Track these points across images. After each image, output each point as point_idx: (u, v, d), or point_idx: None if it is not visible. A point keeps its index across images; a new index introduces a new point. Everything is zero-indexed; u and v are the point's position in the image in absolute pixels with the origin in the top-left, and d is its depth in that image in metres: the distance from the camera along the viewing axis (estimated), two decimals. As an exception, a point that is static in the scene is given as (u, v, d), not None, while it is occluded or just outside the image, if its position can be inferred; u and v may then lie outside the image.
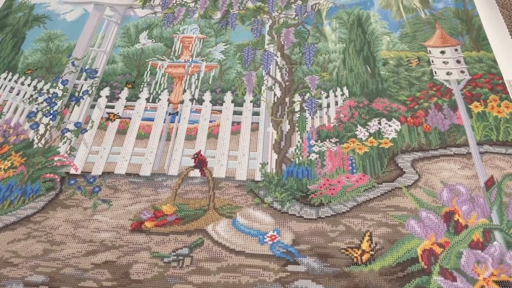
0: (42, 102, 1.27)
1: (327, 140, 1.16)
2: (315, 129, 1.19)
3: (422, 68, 1.28)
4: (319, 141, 1.16)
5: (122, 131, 1.22)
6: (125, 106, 1.27)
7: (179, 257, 0.94)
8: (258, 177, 1.10)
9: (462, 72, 1.25)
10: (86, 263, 0.94)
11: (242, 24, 1.46)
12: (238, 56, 1.37)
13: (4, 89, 1.31)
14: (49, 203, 1.05)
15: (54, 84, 1.31)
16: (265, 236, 0.97)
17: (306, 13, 1.47)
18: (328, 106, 1.23)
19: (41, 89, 1.30)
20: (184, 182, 1.10)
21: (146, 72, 1.35)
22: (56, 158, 1.15)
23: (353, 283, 0.89)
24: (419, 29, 1.39)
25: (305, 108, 1.23)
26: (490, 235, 0.94)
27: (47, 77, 1.34)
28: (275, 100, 1.26)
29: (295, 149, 1.15)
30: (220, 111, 1.25)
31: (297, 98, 1.26)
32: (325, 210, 1.02)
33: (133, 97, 1.29)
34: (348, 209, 1.02)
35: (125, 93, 1.30)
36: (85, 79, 1.34)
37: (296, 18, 1.46)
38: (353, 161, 1.11)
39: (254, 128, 1.21)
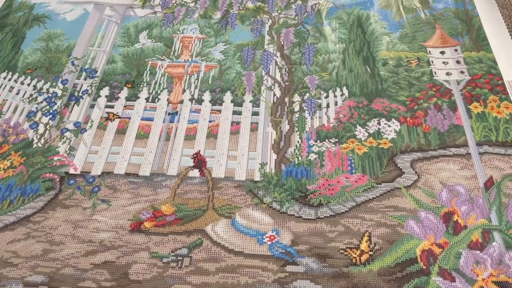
0: (41, 102, 1.27)
1: (327, 140, 1.16)
2: (314, 129, 1.18)
3: (421, 68, 1.28)
4: (318, 141, 1.16)
5: (121, 131, 1.22)
6: (125, 106, 1.27)
7: (178, 258, 0.94)
8: (257, 177, 1.10)
9: (462, 72, 1.25)
10: (86, 263, 0.94)
11: (242, 24, 1.46)
12: (238, 56, 1.37)
13: (4, 89, 1.31)
14: (48, 203, 1.05)
15: (54, 84, 1.31)
16: (264, 237, 0.97)
17: (306, 13, 1.47)
18: (328, 106, 1.23)
19: (41, 88, 1.30)
20: (183, 182, 1.10)
21: (145, 72, 1.35)
22: (55, 158, 1.15)
23: (351, 284, 0.89)
24: (419, 29, 1.39)
25: (305, 108, 1.23)
26: (489, 235, 0.94)
27: (47, 77, 1.34)
28: (275, 100, 1.26)
29: (294, 149, 1.15)
30: (220, 111, 1.25)
31: (296, 98, 1.26)
32: (324, 210, 1.02)
33: (132, 97, 1.29)
34: (347, 210, 1.02)
35: (124, 92, 1.30)
36: (85, 79, 1.34)
37: (296, 18, 1.46)
38: (352, 161, 1.11)
39: (254, 128, 1.22)
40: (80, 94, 1.29)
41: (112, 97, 1.29)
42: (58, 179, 1.10)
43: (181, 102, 1.27)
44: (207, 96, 1.28)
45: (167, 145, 1.18)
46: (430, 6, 1.45)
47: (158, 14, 1.51)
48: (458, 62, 1.28)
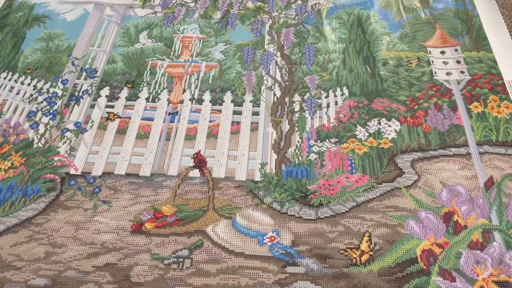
0: (42, 102, 1.27)
1: (327, 140, 1.16)
2: (314, 129, 1.19)
3: (422, 68, 1.28)
4: (318, 141, 1.16)
5: (121, 131, 1.22)
6: (125, 106, 1.27)
7: (179, 259, 0.94)
8: (257, 177, 1.11)
9: (462, 72, 1.25)
10: (88, 265, 0.94)
11: (242, 24, 1.46)
12: (238, 56, 1.37)
13: (4, 89, 1.31)
14: (49, 204, 1.05)
15: (54, 84, 1.31)
16: (264, 237, 0.97)
17: (306, 13, 1.47)
18: (328, 106, 1.24)
19: (41, 88, 1.30)
20: (183, 182, 1.10)
21: (146, 71, 1.35)
22: (56, 158, 1.15)
23: (352, 284, 0.89)
24: (419, 29, 1.39)
25: (305, 108, 1.23)
26: (490, 235, 0.94)
27: (47, 77, 1.34)
28: (275, 100, 1.26)
29: (295, 149, 1.15)
30: (220, 111, 1.25)
31: (296, 98, 1.26)
32: (325, 211, 1.02)
33: (133, 97, 1.29)
34: (348, 210, 1.02)
35: (125, 92, 1.30)
36: (85, 79, 1.34)
37: (296, 18, 1.46)
38: (353, 161, 1.11)
39: (254, 128, 1.22)
40: (81, 94, 1.29)
41: (112, 97, 1.29)
42: (59, 180, 1.10)
43: (181, 102, 1.27)
44: (207, 96, 1.28)
45: (168, 145, 1.18)
46: (430, 6, 1.45)
47: (158, 14, 1.51)
48: (458, 62, 1.28)
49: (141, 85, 1.32)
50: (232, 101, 1.27)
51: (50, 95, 1.28)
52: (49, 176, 1.11)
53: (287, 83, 1.29)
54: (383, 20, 1.43)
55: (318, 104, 1.24)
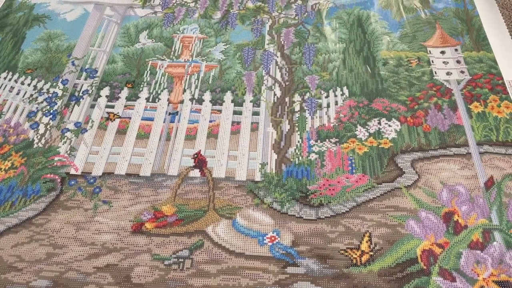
0: (42, 102, 1.27)
1: (327, 140, 1.16)
2: (315, 129, 1.19)
3: (422, 68, 1.28)
4: (318, 141, 1.16)
5: (122, 131, 1.22)
6: (125, 106, 1.27)
7: (180, 260, 0.94)
8: (257, 177, 1.11)
9: (462, 72, 1.25)
10: (88, 266, 0.94)
11: (242, 24, 1.46)
12: (238, 56, 1.37)
13: (4, 89, 1.31)
14: (50, 204, 1.05)
15: (54, 84, 1.31)
16: (264, 238, 0.97)
17: (306, 13, 1.46)
18: (328, 106, 1.24)
19: (41, 88, 1.30)
20: (184, 182, 1.10)
21: (146, 71, 1.35)
22: (56, 158, 1.15)
23: (352, 284, 0.89)
24: (419, 29, 1.39)
25: (305, 108, 1.23)
26: (490, 235, 0.94)
27: (47, 77, 1.34)
28: (275, 100, 1.26)
29: (295, 149, 1.15)
30: (220, 111, 1.25)
31: (297, 98, 1.26)
32: (325, 211, 1.02)
33: (133, 97, 1.29)
34: (348, 210, 1.02)
35: (125, 92, 1.30)
36: (85, 79, 1.34)
37: (296, 18, 1.46)
38: (353, 161, 1.11)
39: (254, 128, 1.22)
40: (81, 94, 1.29)
41: (112, 97, 1.29)
42: (59, 180, 1.10)
43: (182, 102, 1.27)
44: (207, 96, 1.28)
45: (168, 145, 1.18)
46: (430, 6, 1.45)
47: (158, 14, 1.51)
48: (458, 61, 1.28)
49: (141, 85, 1.32)
50: (232, 101, 1.27)
51: (50, 95, 1.28)
52: (49, 176, 1.11)
53: (287, 83, 1.29)
54: (383, 20, 1.43)
55: (318, 104, 1.24)
